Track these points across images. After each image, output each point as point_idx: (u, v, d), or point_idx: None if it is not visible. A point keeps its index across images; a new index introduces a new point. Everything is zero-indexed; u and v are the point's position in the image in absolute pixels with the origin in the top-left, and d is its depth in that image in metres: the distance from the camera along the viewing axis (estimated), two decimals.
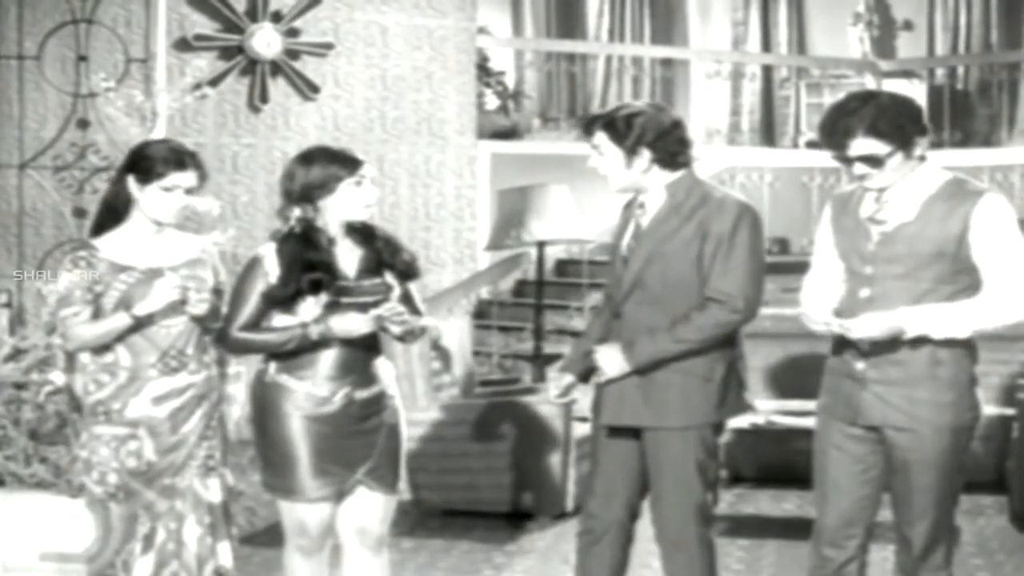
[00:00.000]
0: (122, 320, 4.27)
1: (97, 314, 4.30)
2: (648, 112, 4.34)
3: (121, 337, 4.29)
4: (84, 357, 4.39)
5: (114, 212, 4.37)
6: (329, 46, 9.39)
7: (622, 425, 4.38)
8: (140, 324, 4.27)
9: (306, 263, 4.21)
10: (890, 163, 3.98)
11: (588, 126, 4.38)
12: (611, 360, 4.33)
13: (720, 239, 4.25)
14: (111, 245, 4.34)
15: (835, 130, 3.99)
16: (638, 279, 4.31)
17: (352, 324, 4.21)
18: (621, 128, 4.30)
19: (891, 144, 3.96)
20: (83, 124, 8.13)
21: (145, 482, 4.33)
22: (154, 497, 4.34)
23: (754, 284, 4.28)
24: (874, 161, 3.98)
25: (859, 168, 4.00)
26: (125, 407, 4.31)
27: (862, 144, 3.96)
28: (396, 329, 4.26)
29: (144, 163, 4.30)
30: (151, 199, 4.30)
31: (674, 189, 4.32)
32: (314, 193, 4.24)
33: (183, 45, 8.92)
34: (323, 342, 4.23)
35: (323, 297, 4.22)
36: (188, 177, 4.32)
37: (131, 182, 4.31)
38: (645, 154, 4.29)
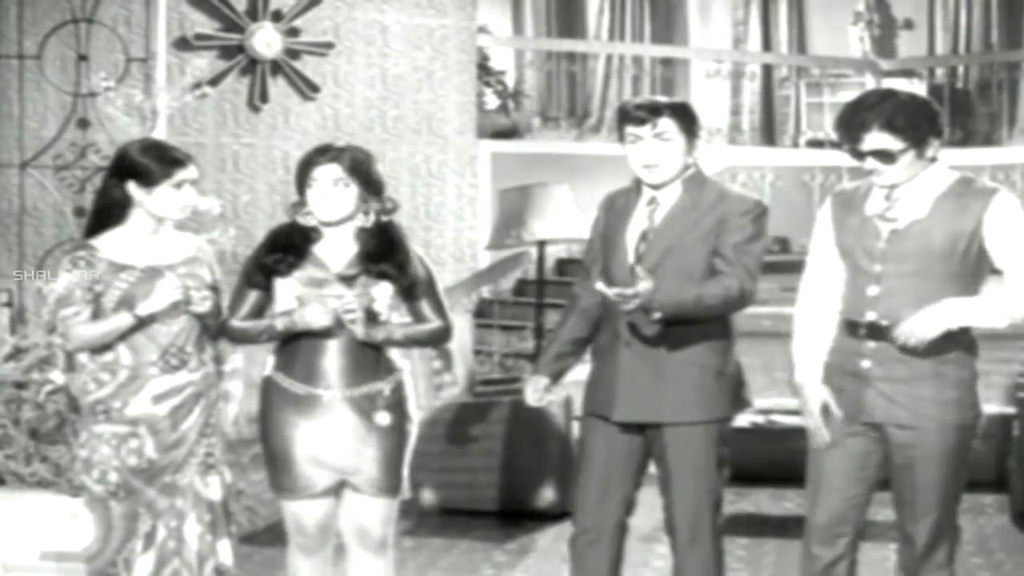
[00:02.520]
0: (125, 320, 4.27)
1: (97, 314, 4.30)
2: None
3: (122, 336, 4.29)
4: (83, 356, 4.38)
5: (108, 217, 4.37)
6: (329, 45, 9.38)
7: (636, 422, 4.33)
8: (142, 323, 4.28)
9: (270, 245, 4.31)
10: (902, 160, 4.00)
11: (651, 113, 4.28)
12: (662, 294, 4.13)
13: (741, 232, 4.26)
14: (110, 244, 4.34)
15: (852, 123, 4.02)
16: (653, 272, 4.23)
17: (311, 316, 4.22)
18: (692, 114, 4.35)
19: (905, 141, 3.98)
20: (83, 124, 8.13)
21: (146, 480, 4.33)
22: (155, 495, 4.34)
23: (756, 280, 4.31)
24: (886, 157, 3.99)
25: (871, 163, 4.02)
26: (125, 405, 4.31)
27: (876, 138, 3.98)
28: (357, 329, 4.24)
29: (145, 167, 4.30)
30: (161, 199, 4.32)
31: (689, 184, 4.34)
32: (298, 189, 4.35)
33: (183, 44, 8.91)
34: (322, 336, 4.24)
35: (297, 288, 4.26)
36: (192, 171, 4.36)
37: (132, 187, 4.32)
38: (697, 142, 4.34)
